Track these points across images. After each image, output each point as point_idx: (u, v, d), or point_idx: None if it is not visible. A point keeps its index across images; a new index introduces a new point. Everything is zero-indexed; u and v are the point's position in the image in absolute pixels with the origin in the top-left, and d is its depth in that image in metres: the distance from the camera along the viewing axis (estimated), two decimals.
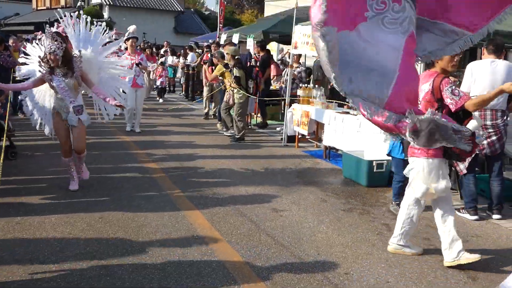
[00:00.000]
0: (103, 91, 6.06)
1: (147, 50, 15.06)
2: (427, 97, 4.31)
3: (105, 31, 6.59)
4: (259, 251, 4.47)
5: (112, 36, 8.43)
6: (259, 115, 11.96)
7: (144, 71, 10.75)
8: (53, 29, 5.67)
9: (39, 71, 5.78)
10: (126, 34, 11.40)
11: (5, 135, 7.00)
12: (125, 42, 10.25)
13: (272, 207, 5.73)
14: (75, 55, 5.83)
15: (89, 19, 6.44)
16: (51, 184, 6.22)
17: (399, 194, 5.45)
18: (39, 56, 5.83)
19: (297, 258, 4.37)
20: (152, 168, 7.32)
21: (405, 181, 5.05)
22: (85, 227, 4.85)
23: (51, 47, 5.49)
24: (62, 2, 38.59)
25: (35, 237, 4.57)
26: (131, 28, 11.58)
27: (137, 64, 9.98)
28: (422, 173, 4.29)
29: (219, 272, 4.02)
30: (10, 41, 11.25)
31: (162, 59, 17.65)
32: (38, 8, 40.21)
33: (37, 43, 6.52)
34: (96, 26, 6.57)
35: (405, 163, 5.01)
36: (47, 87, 5.97)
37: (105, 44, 6.74)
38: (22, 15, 40.46)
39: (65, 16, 6.37)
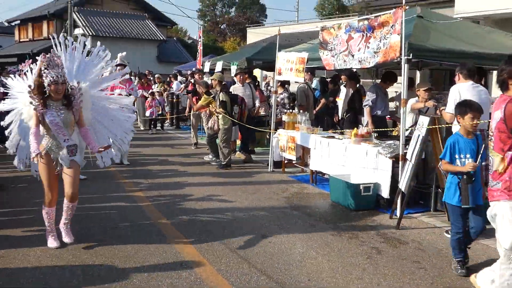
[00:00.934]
0: (90, 136, 5.23)
1: (142, 79, 14.98)
2: (500, 127, 3.70)
3: (106, 59, 5.99)
4: (249, 279, 4.41)
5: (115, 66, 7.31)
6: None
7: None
8: (52, 55, 4.86)
9: (30, 102, 4.91)
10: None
11: None
12: None
13: (260, 233, 5.68)
14: (72, 86, 5.07)
15: (88, 43, 5.81)
16: (35, 217, 6.10)
17: (459, 249, 4.60)
18: (29, 86, 4.96)
19: (287, 285, 4.32)
20: (139, 197, 7.25)
21: (463, 233, 4.57)
22: (70, 258, 4.76)
23: (56, 75, 4.75)
24: (45, 34, 38.62)
25: (20, 270, 4.46)
26: (119, 55, 11.29)
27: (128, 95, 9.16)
28: (507, 218, 3.71)
29: None
30: None
31: (154, 88, 17.26)
32: (21, 40, 40.19)
33: (19, 75, 6.33)
34: (97, 52, 5.93)
35: (463, 211, 4.52)
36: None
37: (102, 75, 6.11)
38: (5, 47, 40.41)
39: (59, 41, 5.67)
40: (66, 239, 5.18)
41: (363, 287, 4.30)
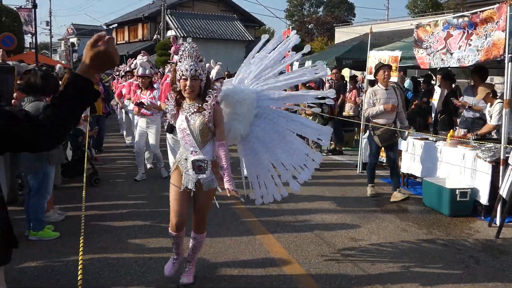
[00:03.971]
0: (225, 156, 3.90)
1: None
2: None
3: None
4: (339, 281, 4.33)
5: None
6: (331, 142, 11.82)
7: None
8: (187, 44, 3.87)
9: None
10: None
11: (89, 162, 7.32)
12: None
13: (350, 236, 5.58)
14: (215, 86, 4.03)
15: None
16: (134, 211, 6.41)
17: None
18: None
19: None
20: (227, 196, 7.36)
21: None
22: (165, 252, 4.93)
23: (186, 68, 3.79)
24: (140, 36, 40.63)
25: (118, 262, 4.69)
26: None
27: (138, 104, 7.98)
28: None
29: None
30: None
31: None
32: (118, 43, 42.57)
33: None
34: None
35: None
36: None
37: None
38: None
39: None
40: (183, 279, 4.21)
41: None
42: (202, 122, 3.82)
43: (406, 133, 7.78)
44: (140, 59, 8.50)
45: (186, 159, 3.94)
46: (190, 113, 3.86)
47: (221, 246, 5.13)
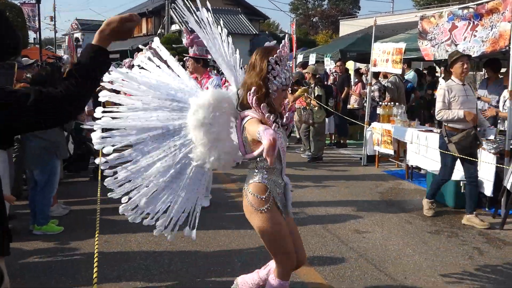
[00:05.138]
0: None
1: None
2: None
3: None
4: (343, 273, 4.33)
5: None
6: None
7: None
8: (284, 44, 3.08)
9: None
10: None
11: (93, 156, 7.33)
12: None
13: (354, 228, 5.58)
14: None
15: None
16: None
17: None
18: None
19: (382, 281, 4.19)
20: (232, 188, 7.38)
21: None
22: (168, 245, 4.94)
23: (288, 75, 3.10)
24: (144, 30, 40.60)
25: (122, 255, 4.71)
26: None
27: None
28: None
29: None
30: None
31: None
32: None
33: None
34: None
35: None
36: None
37: None
38: None
39: None
40: None
41: None
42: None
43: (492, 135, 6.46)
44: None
45: (280, 183, 3.16)
46: (277, 128, 3.05)
47: (225, 239, 5.14)
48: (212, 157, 3.08)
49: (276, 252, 3.14)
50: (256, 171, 3.12)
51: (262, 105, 2.96)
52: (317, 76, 9.87)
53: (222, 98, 3.14)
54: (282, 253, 3.12)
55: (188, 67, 6.13)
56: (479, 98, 7.61)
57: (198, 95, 3.17)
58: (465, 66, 5.69)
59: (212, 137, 3.05)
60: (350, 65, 16.83)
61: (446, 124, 5.88)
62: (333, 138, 12.00)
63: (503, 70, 8.08)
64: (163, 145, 3.21)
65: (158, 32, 38.03)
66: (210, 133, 3.05)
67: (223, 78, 7.70)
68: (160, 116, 3.19)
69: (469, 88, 5.88)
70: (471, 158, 5.71)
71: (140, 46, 8.08)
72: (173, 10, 35.12)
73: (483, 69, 9.15)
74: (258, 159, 3.07)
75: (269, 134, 2.49)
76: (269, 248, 3.16)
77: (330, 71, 13.68)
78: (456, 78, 5.79)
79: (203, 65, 6.19)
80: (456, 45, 6.69)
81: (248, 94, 3.01)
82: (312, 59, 13.90)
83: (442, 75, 10.61)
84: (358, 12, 57.86)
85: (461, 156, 5.72)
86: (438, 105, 5.83)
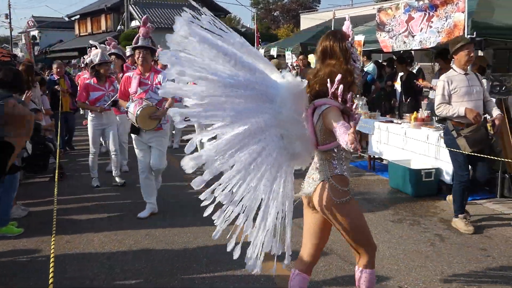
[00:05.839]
0: None
1: None
2: None
3: None
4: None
5: None
6: None
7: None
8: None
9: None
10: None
11: (54, 156, 7.15)
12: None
13: None
14: None
15: None
16: (98, 203, 6.31)
17: None
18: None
19: (347, 271, 4.24)
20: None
21: None
22: (132, 244, 4.87)
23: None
24: (103, 27, 39.83)
25: (85, 256, 4.61)
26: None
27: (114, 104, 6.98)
28: None
29: (268, 283, 3.95)
30: (54, 66, 10.53)
31: None
32: (81, 34, 41.69)
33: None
34: None
35: None
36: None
37: None
38: (66, 41, 41.98)
39: None
40: None
41: (426, 275, 4.16)
42: None
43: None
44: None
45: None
46: None
47: (190, 236, 5.09)
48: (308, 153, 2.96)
49: (363, 243, 3.09)
50: (335, 162, 3.00)
51: (350, 94, 2.81)
52: (280, 71, 9.86)
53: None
54: (368, 243, 3.10)
55: (138, 59, 5.80)
56: (432, 88, 7.73)
57: (288, 84, 2.91)
58: (471, 54, 5.15)
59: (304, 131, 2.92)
60: (312, 58, 16.95)
61: (451, 119, 5.25)
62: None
63: None
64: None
65: (118, 28, 37.36)
66: (303, 127, 2.91)
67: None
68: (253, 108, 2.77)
69: (474, 78, 5.26)
70: (481, 155, 5.06)
71: (92, 42, 7.93)
72: (132, 6, 34.62)
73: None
74: (335, 149, 2.97)
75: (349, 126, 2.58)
76: (354, 239, 3.07)
77: (292, 65, 13.73)
78: (458, 68, 5.21)
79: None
80: (413, 36, 6.82)
81: (329, 82, 2.83)
82: (273, 53, 13.93)
83: (437, 66, 10.25)
84: (319, 6, 58.28)
85: (471, 153, 5.04)
86: (437, 98, 5.23)
